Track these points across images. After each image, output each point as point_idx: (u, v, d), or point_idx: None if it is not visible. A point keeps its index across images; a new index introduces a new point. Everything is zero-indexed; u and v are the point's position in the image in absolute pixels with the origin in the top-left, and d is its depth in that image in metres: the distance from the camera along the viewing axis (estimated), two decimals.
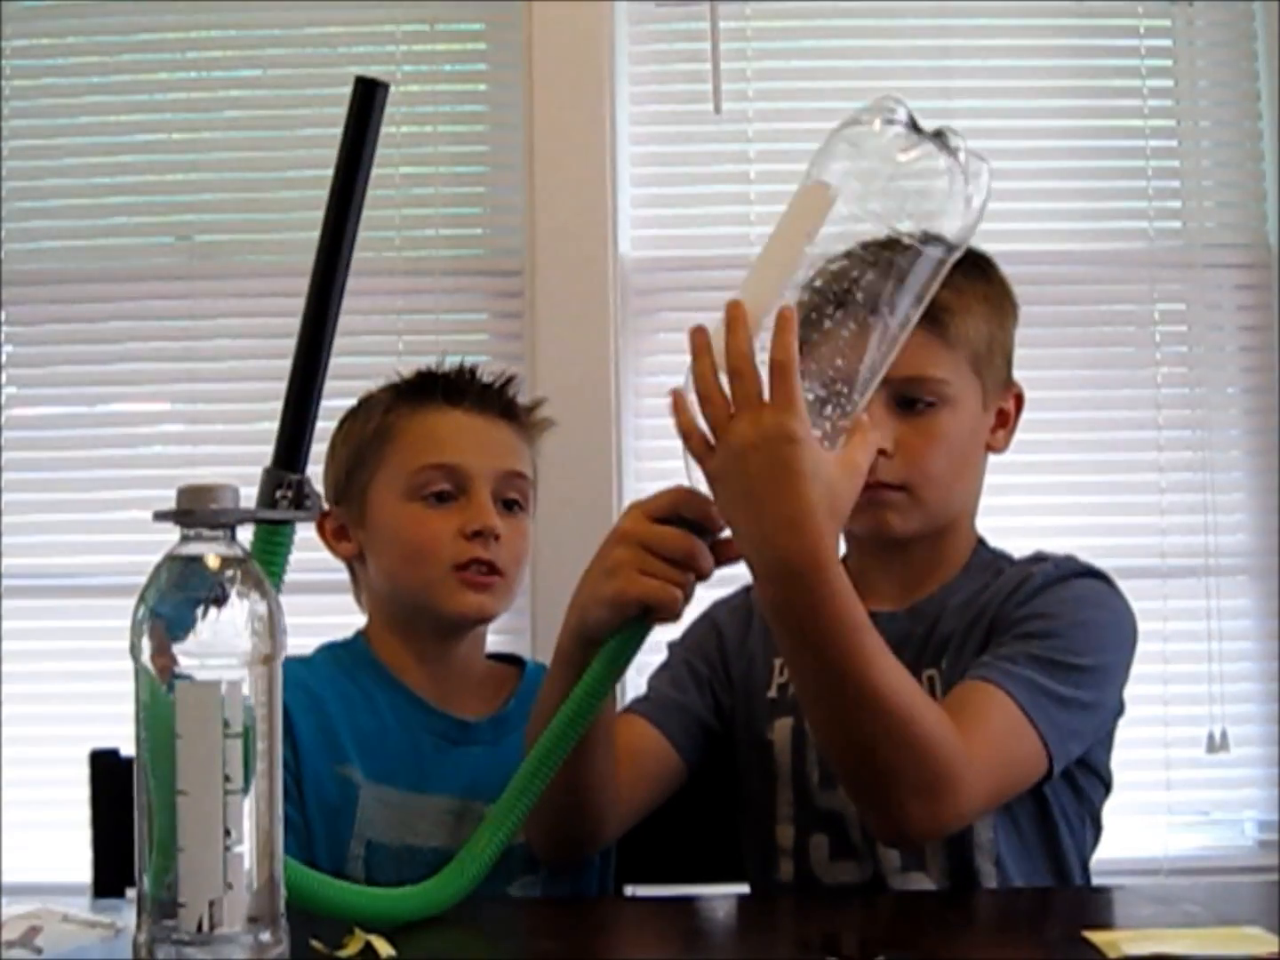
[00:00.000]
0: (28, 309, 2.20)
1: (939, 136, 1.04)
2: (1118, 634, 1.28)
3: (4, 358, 2.20)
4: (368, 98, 0.95)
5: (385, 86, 0.95)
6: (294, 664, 1.34)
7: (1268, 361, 2.16)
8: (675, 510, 1.05)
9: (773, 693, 1.35)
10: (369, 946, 0.94)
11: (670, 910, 1.16)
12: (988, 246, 1.42)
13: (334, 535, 1.42)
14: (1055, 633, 1.22)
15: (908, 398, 1.27)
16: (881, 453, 1.22)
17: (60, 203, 2.24)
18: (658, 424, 2.18)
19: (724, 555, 1.06)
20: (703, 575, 1.05)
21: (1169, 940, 0.91)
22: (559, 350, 2.14)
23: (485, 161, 2.25)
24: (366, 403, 1.44)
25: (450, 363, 1.44)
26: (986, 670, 1.18)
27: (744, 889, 1.38)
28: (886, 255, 1.03)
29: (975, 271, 1.31)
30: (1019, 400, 1.37)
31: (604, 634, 1.06)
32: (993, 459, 1.38)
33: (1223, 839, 2.15)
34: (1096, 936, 0.93)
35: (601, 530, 2.10)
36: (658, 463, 2.17)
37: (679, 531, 1.04)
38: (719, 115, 2.18)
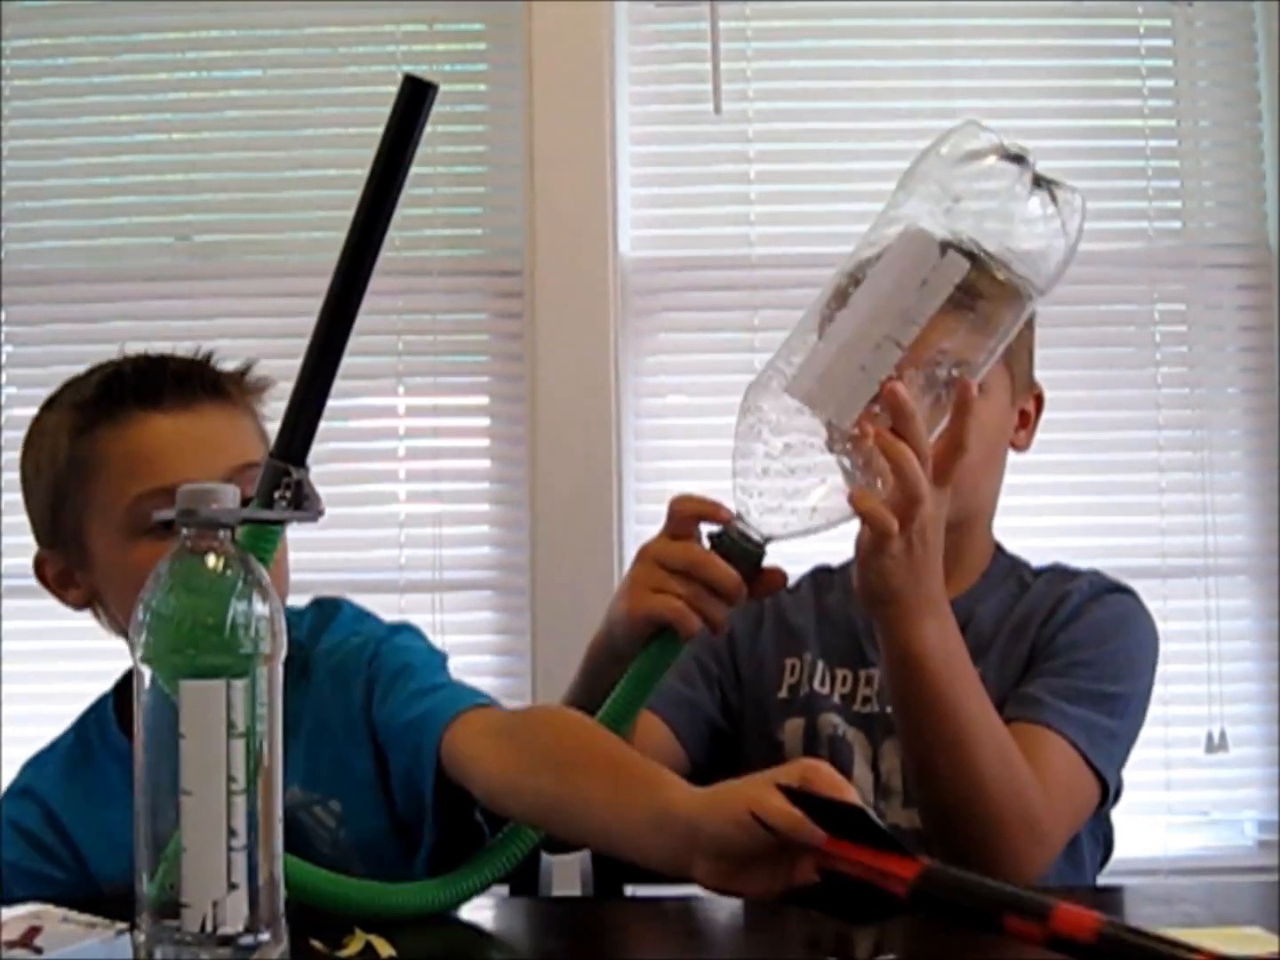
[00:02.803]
0: (28, 309, 2.21)
1: (1050, 184, 1.03)
2: (1150, 654, 1.32)
3: (4, 358, 2.21)
4: (416, 98, 0.93)
5: (434, 87, 0.93)
6: (25, 777, 1.23)
7: (1268, 361, 2.16)
8: (694, 515, 1.03)
9: (783, 693, 1.35)
10: (369, 946, 0.94)
11: (671, 910, 1.16)
12: None
13: (57, 582, 1.23)
14: (1098, 661, 1.25)
15: None
16: None
17: (60, 203, 2.24)
18: (658, 424, 2.19)
19: (762, 586, 1.04)
20: (717, 587, 1.02)
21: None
22: (559, 350, 2.14)
23: (485, 161, 2.25)
24: (47, 428, 1.25)
25: (130, 357, 1.24)
26: (1040, 711, 1.20)
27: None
28: (984, 296, 1.02)
29: None
30: (1039, 401, 1.39)
31: (627, 651, 1.05)
32: None
33: (1223, 839, 2.15)
34: None
35: (601, 530, 2.12)
36: (657, 463, 2.17)
37: (686, 544, 1.03)
38: (719, 115, 2.18)
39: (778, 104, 2.23)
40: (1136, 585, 1.39)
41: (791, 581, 1.43)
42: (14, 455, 2.13)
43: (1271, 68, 2.16)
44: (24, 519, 2.23)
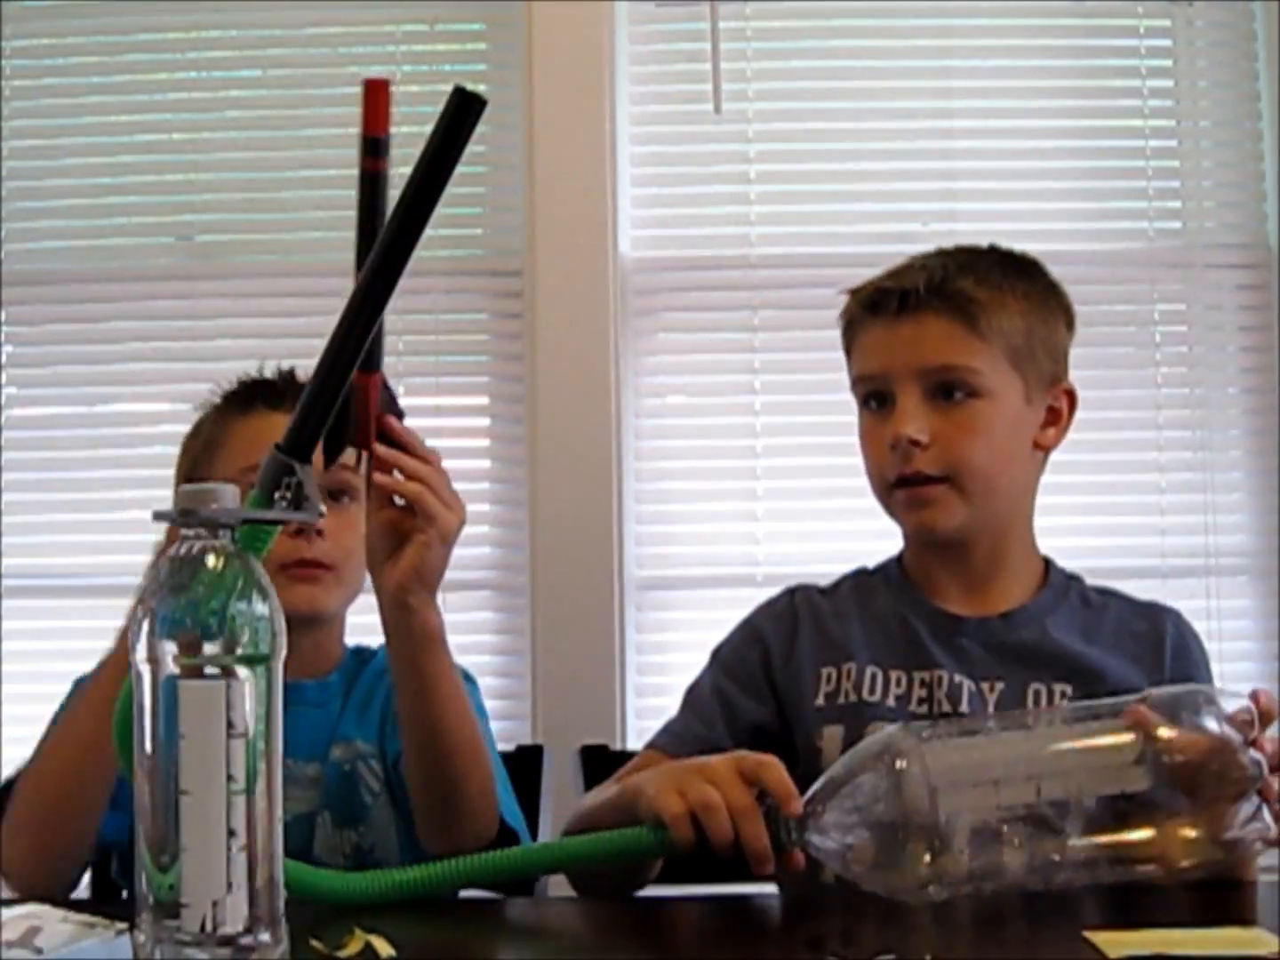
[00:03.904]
0: (28, 309, 2.20)
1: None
2: None
3: (4, 358, 2.20)
4: (462, 111, 0.94)
5: (483, 102, 0.94)
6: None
7: (1268, 361, 2.16)
8: (755, 774, 1.04)
9: (820, 701, 1.32)
10: (369, 946, 0.94)
11: (669, 911, 1.16)
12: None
13: None
14: None
15: (944, 388, 1.29)
16: (915, 444, 1.27)
17: (60, 203, 2.24)
18: (658, 424, 2.18)
19: (781, 865, 1.04)
20: (745, 843, 1.02)
21: (1169, 940, 0.91)
22: (559, 350, 2.14)
23: (485, 161, 2.25)
24: (200, 419, 1.47)
25: (270, 368, 1.45)
26: None
27: (744, 889, 1.38)
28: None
29: (1016, 270, 1.35)
30: (1071, 398, 1.38)
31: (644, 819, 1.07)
32: None
33: None
34: (1096, 936, 0.93)
35: (601, 530, 2.12)
36: (658, 463, 2.17)
37: (745, 791, 1.03)
38: (719, 115, 2.18)
39: (778, 104, 2.22)
40: (1137, 585, 1.40)
41: (827, 582, 1.42)
42: (14, 455, 2.16)
43: (1271, 68, 2.16)
44: (24, 519, 2.24)
